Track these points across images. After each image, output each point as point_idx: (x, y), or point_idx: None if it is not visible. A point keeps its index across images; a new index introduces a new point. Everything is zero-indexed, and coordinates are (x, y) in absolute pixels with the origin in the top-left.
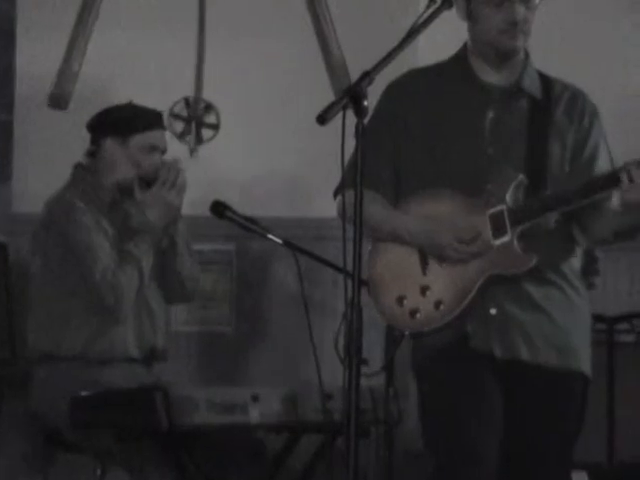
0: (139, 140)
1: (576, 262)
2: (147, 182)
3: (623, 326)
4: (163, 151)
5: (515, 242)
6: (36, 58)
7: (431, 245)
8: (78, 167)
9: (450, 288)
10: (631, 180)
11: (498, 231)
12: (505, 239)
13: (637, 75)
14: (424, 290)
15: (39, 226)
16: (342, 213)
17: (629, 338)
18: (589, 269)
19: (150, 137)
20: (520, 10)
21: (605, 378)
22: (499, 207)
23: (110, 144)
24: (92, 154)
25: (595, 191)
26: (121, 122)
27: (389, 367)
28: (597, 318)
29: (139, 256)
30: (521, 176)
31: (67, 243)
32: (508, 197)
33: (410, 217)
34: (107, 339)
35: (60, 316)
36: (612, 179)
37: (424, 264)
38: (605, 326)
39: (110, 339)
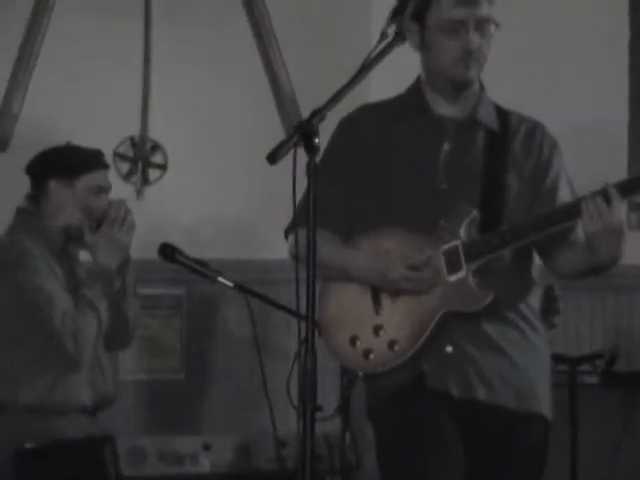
0: (86, 181)
1: (535, 301)
2: (96, 224)
3: (585, 367)
4: (108, 191)
5: (470, 278)
6: None
7: (383, 280)
8: (23, 211)
9: (404, 327)
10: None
11: (453, 267)
12: (460, 275)
13: (576, 107)
14: (377, 330)
15: None
16: (295, 253)
17: (592, 379)
18: (549, 308)
19: (96, 178)
20: (475, 38)
21: (568, 420)
22: (453, 243)
23: (55, 187)
24: (34, 198)
25: (554, 223)
26: (65, 164)
27: (344, 410)
28: (559, 359)
29: (96, 301)
30: (475, 211)
31: (20, 289)
32: (462, 232)
33: (360, 253)
34: (63, 389)
35: (13, 366)
36: (572, 210)
37: (377, 303)
38: (567, 367)
39: (66, 389)
